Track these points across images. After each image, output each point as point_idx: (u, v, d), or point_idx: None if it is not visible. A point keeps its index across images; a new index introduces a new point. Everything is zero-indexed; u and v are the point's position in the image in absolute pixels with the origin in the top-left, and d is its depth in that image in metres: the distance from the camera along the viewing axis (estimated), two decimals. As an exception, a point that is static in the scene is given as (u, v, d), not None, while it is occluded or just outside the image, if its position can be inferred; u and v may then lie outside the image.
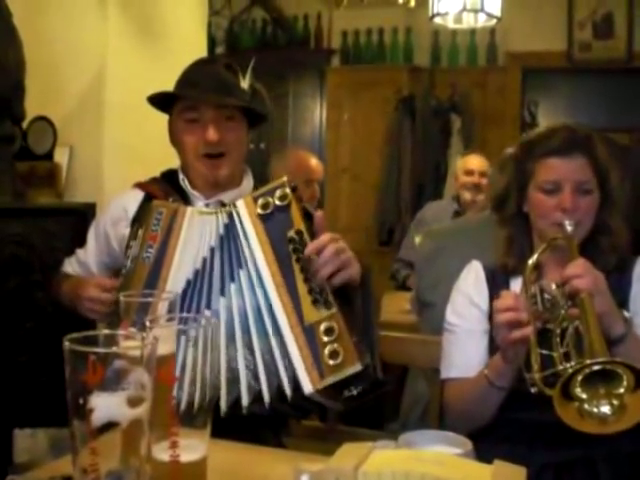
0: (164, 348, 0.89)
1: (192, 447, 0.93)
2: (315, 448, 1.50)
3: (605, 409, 1.26)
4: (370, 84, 5.52)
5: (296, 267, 1.50)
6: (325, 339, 1.44)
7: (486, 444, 1.33)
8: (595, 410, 1.26)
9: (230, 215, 1.59)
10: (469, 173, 4.00)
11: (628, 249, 1.65)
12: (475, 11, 3.67)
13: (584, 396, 1.26)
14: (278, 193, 1.55)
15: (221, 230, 1.58)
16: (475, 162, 4.03)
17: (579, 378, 1.25)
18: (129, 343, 0.82)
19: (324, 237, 1.49)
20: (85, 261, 1.91)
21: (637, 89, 5.27)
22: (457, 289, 1.70)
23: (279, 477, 1.12)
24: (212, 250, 1.57)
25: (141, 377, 0.77)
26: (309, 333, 1.45)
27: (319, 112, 5.83)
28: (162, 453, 0.90)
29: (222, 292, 1.54)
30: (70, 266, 1.95)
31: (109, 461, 0.76)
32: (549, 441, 1.47)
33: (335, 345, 1.43)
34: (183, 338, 0.93)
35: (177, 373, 0.91)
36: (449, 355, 1.65)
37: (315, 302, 1.46)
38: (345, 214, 5.67)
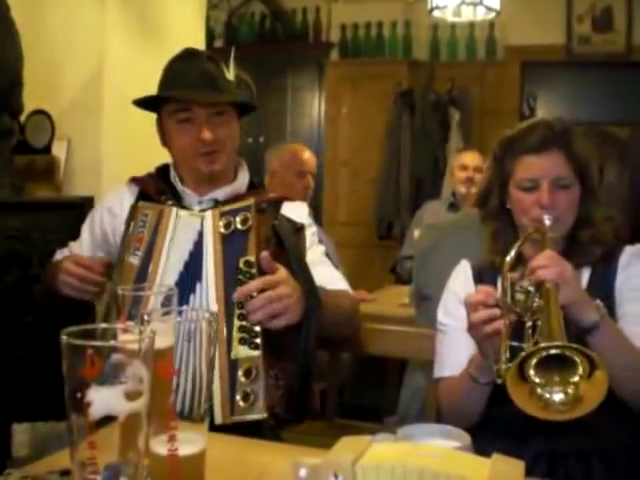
0: (162, 341, 0.88)
1: (190, 441, 0.93)
2: (313, 442, 1.50)
3: (557, 397, 1.26)
4: (369, 78, 5.51)
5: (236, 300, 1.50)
6: (242, 379, 1.46)
7: (484, 437, 1.33)
8: (547, 395, 1.27)
9: (202, 224, 1.60)
10: (463, 168, 4.06)
11: (626, 240, 1.65)
12: (474, 4, 3.67)
13: (537, 380, 1.27)
14: (240, 216, 1.56)
15: (197, 237, 1.59)
16: (469, 157, 4.10)
17: (533, 362, 1.25)
18: (127, 337, 0.82)
19: (254, 284, 1.48)
20: (78, 254, 1.90)
21: (636, 82, 5.26)
22: (447, 289, 1.72)
23: (277, 471, 1.12)
24: (191, 255, 1.59)
25: (139, 370, 0.77)
26: (232, 368, 1.47)
27: (318, 106, 5.82)
28: (160, 447, 0.90)
29: (187, 300, 1.55)
30: (61, 256, 1.93)
31: (107, 455, 0.76)
32: (540, 434, 1.47)
33: (249, 388, 1.46)
34: (181, 331, 0.93)
35: (175, 366, 0.91)
36: (441, 355, 1.66)
37: (242, 341, 1.47)
38: (344, 208, 5.67)
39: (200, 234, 1.59)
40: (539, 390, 1.27)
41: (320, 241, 1.91)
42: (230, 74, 1.78)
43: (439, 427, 1.15)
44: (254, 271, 1.51)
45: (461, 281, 1.69)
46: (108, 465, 0.76)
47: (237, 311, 1.49)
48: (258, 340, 1.48)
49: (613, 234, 1.63)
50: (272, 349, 1.49)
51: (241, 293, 1.48)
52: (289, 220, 1.68)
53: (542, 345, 1.26)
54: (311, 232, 1.79)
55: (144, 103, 1.79)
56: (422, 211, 4.26)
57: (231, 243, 1.56)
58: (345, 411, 2.28)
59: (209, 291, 1.54)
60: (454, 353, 1.62)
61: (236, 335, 1.49)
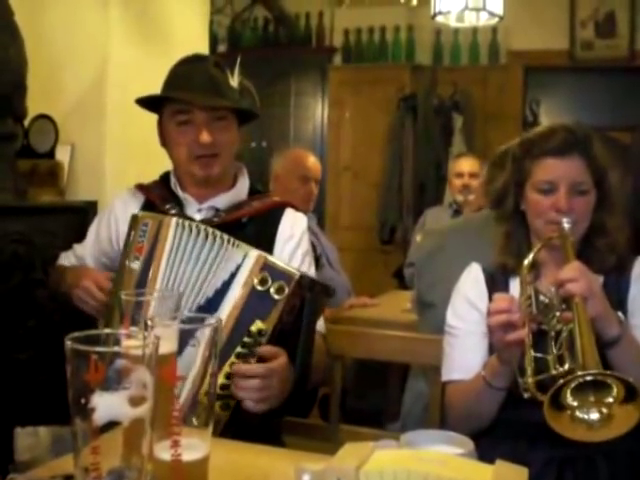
0: (166, 347, 0.88)
1: (194, 446, 0.93)
2: (317, 447, 1.50)
3: (594, 416, 1.26)
4: (372, 82, 5.52)
5: (231, 358, 1.47)
6: (196, 423, 1.44)
7: (487, 443, 1.33)
8: (585, 417, 1.26)
9: (243, 259, 1.55)
10: (459, 175, 4.07)
11: (630, 248, 1.65)
12: (477, 10, 3.67)
13: (574, 404, 1.26)
14: (278, 284, 1.50)
15: (234, 269, 1.55)
16: (465, 164, 4.09)
17: (569, 388, 1.25)
18: (131, 342, 0.82)
19: (256, 370, 1.46)
20: (82, 257, 1.91)
21: (639, 88, 5.26)
22: (457, 291, 1.71)
23: (281, 476, 1.12)
24: (224, 284, 1.55)
25: (143, 376, 0.77)
26: (192, 407, 1.45)
27: (321, 110, 5.83)
28: (164, 452, 0.90)
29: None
30: (67, 260, 1.95)
31: (111, 460, 0.76)
32: (549, 439, 1.47)
33: None
34: (186, 337, 0.93)
35: (180, 372, 0.91)
36: (450, 357, 1.65)
37: (218, 397, 1.44)
38: (347, 213, 5.67)
39: (238, 268, 1.55)
40: (578, 413, 1.26)
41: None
42: (234, 81, 1.78)
43: (442, 434, 1.15)
44: (263, 340, 1.48)
45: (471, 284, 1.68)
46: (111, 470, 0.76)
47: (226, 368, 1.46)
48: (232, 402, 1.46)
49: (629, 242, 1.63)
50: (238, 412, 1.48)
51: (240, 372, 1.45)
52: (325, 287, 1.63)
53: (578, 374, 1.25)
54: (302, 252, 1.77)
55: (146, 103, 1.79)
56: (425, 217, 4.26)
57: (256, 300, 1.51)
58: (347, 416, 2.27)
59: None
60: (464, 356, 1.62)
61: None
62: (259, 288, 1.51)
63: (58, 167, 2.60)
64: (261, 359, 1.48)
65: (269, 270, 1.52)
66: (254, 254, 1.55)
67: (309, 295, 1.54)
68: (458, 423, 1.59)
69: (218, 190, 1.78)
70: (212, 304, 1.54)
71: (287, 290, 1.50)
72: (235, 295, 1.52)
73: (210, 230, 1.59)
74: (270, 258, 1.56)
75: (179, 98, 1.73)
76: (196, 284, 1.56)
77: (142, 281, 1.58)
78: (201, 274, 1.56)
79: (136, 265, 1.59)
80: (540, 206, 1.58)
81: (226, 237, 1.58)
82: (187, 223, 1.61)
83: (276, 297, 1.50)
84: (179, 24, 2.96)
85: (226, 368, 1.46)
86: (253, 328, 1.48)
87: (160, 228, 1.61)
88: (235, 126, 1.80)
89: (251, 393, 1.45)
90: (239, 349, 1.47)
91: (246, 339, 1.48)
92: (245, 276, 1.53)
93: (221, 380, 1.45)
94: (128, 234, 1.65)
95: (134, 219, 1.65)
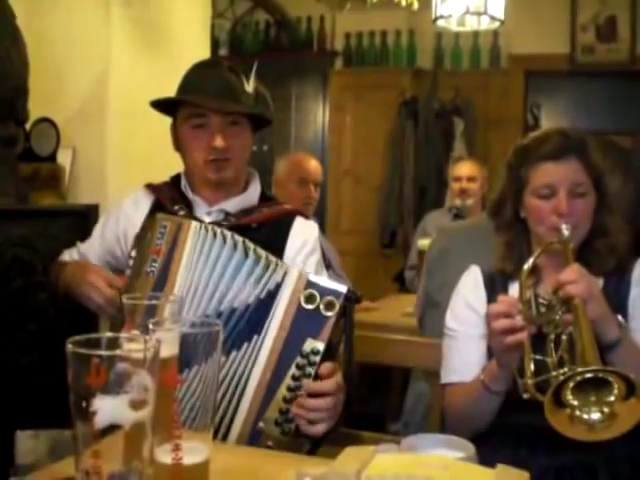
0: (167, 350, 0.89)
1: (195, 450, 0.93)
2: (317, 451, 1.50)
3: (595, 416, 1.26)
4: (373, 86, 5.52)
5: (286, 381, 1.43)
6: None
7: (488, 448, 1.33)
8: (585, 417, 1.26)
9: (284, 277, 1.49)
10: (457, 180, 4.08)
11: (631, 251, 1.65)
12: (478, 14, 3.67)
13: (575, 403, 1.26)
14: (328, 299, 1.44)
15: (273, 288, 1.49)
16: (463, 169, 4.09)
17: (570, 385, 1.25)
18: (132, 346, 0.82)
19: (328, 385, 1.42)
20: (86, 254, 1.89)
21: (640, 92, 5.27)
22: (456, 294, 1.71)
23: (281, 480, 1.11)
24: (259, 301, 1.49)
25: (144, 380, 0.77)
26: (255, 436, 1.43)
27: (322, 114, 5.83)
28: (165, 456, 0.90)
29: (239, 346, 1.46)
30: (69, 257, 1.93)
31: (111, 464, 0.76)
32: (550, 445, 1.47)
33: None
34: (188, 341, 0.93)
35: (183, 376, 0.91)
36: (449, 360, 1.66)
37: (277, 423, 1.42)
38: (348, 216, 5.67)
39: (278, 286, 1.49)
40: (578, 412, 1.26)
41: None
42: (250, 87, 1.78)
43: (443, 437, 1.15)
44: (317, 359, 1.42)
45: (470, 286, 1.68)
46: (112, 474, 0.76)
47: (284, 392, 1.42)
48: (292, 426, 1.42)
49: (629, 244, 1.63)
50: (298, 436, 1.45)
51: (313, 390, 1.41)
52: (355, 294, 1.57)
53: (578, 370, 1.26)
54: (316, 260, 1.76)
55: (161, 106, 1.79)
56: (425, 221, 4.27)
57: (306, 318, 1.45)
58: (348, 418, 2.27)
59: (262, 350, 1.46)
60: (462, 359, 1.62)
61: (273, 412, 1.42)
62: (308, 307, 1.45)
63: (59, 171, 2.60)
64: (316, 377, 1.43)
65: (315, 287, 1.47)
66: (294, 271, 1.50)
67: (349, 306, 1.49)
68: (457, 424, 1.60)
69: (229, 194, 1.78)
70: (247, 324, 1.48)
71: (337, 306, 1.44)
72: (279, 315, 1.47)
73: (229, 234, 1.56)
74: (311, 275, 1.51)
75: (193, 102, 1.73)
76: (216, 291, 1.52)
77: (160, 284, 1.55)
78: (222, 282, 1.52)
79: (153, 268, 1.57)
80: (540, 212, 1.58)
81: (252, 246, 1.53)
82: (205, 226, 1.59)
83: (327, 314, 1.44)
84: (180, 28, 2.96)
85: (283, 391, 1.42)
86: (307, 348, 1.43)
87: (179, 231, 1.58)
88: (249, 131, 1.79)
89: (322, 413, 1.40)
90: (294, 370, 1.42)
91: (299, 360, 1.43)
92: (289, 295, 1.47)
93: (281, 405, 1.42)
94: (143, 235, 1.63)
95: (151, 220, 1.63)
